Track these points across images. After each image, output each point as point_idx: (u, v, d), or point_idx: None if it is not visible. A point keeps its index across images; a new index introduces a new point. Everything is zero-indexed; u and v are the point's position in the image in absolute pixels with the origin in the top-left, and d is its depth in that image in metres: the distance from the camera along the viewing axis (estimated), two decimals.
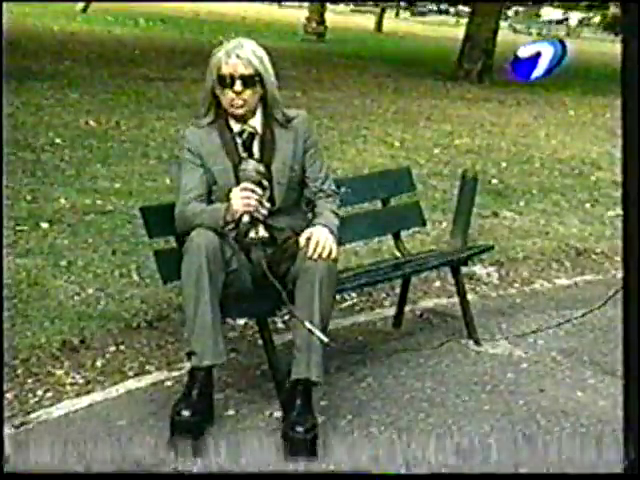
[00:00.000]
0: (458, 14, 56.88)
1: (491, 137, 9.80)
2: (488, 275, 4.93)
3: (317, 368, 2.86)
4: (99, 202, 5.62)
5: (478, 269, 4.95)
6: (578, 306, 4.32)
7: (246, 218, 2.91)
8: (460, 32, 19.67)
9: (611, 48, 31.61)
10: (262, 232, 2.99)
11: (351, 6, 58.01)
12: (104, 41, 18.09)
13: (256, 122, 3.11)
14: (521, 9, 67.68)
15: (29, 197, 5.57)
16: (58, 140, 7.45)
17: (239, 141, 3.09)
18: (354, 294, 4.36)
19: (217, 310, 2.85)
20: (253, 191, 2.93)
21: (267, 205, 3.02)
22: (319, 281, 2.88)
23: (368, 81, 14.97)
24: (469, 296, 4.13)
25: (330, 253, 2.93)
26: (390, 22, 38.52)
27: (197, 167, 3.08)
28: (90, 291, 4.07)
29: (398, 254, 4.08)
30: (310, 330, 2.86)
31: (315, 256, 2.90)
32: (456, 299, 4.00)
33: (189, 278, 2.84)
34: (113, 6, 29.74)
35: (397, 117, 10.88)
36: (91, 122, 8.47)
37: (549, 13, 75.21)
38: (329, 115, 10.13)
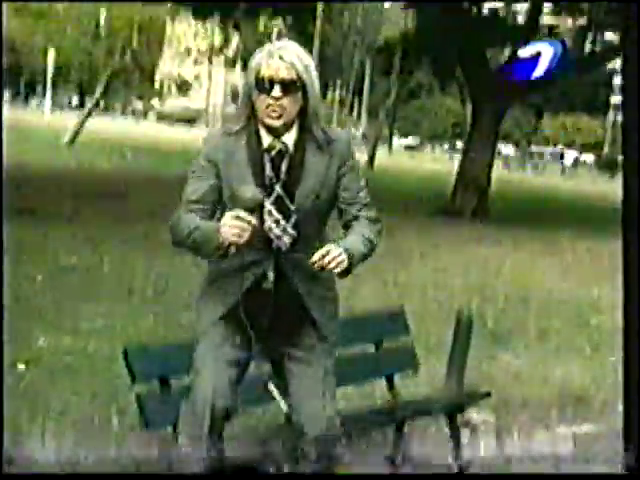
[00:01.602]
0: (452, 149, 58.46)
1: (487, 277, 9.93)
2: (484, 422, 4.91)
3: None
4: (79, 343, 5.63)
5: (474, 415, 4.93)
6: (578, 462, 4.29)
7: (233, 249, 2.74)
8: (454, 168, 20.20)
9: (606, 188, 32.37)
10: (269, 284, 2.89)
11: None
12: (89, 175, 18.47)
13: (289, 138, 2.90)
14: (516, 146, 69.58)
15: (6, 336, 5.55)
16: (39, 277, 7.51)
17: (267, 158, 2.89)
18: (343, 441, 4.31)
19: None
20: (248, 222, 2.71)
21: (293, 233, 2.87)
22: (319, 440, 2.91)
23: None
24: (465, 444, 4.11)
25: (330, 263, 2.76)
26: (383, 157, 39.47)
27: (209, 176, 2.89)
28: (68, 443, 4.01)
29: (391, 399, 4.08)
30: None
31: (316, 261, 2.75)
32: (451, 447, 3.98)
33: (190, 430, 2.88)
34: (100, 139, 30.50)
35: (390, 255, 11.00)
36: (73, 260, 8.57)
37: (543, 150, 77.25)
38: None
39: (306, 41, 39.56)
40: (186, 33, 32.24)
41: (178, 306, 6.86)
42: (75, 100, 74.07)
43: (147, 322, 6.35)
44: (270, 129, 2.87)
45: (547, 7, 19.65)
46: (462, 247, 12.53)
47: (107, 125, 45.20)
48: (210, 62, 35.00)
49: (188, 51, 33.26)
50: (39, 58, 40.57)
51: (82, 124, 28.80)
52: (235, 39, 34.12)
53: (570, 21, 22.17)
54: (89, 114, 29.26)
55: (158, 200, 14.51)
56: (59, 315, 6.31)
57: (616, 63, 25.73)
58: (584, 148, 79.89)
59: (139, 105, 70.36)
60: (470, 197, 17.57)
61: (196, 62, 34.06)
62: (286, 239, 2.86)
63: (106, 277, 7.92)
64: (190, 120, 69.46)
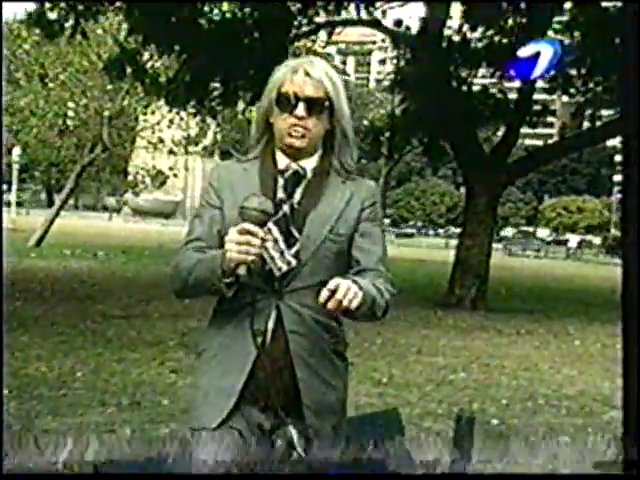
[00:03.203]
0: (448, 235, 58.95)
1: (489, 371, 9.94)
2: None
3: None
4: (48, 459, 5.56)
5: None
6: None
7: (242, 270, 2.48)
8: (450, 255, 20.33)
9: (615, 272, 32.49)
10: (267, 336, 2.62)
11: None
12: (59, 277, 18.51)
13: (309, 164, 2.70)
14: (515, 230, 70.35)
15: None
16: (4, 391, 7.47)
17: (281, 181, 2.67)
18: None
19: None
20: (256, 235, 2.47)
21: (291, 260, 2.60)
22: None
23: None
24: None
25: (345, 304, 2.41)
26: None
27: (212, 207, 2.70)
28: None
29: None
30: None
31: (330, 304, 2.40)
32: None
33: None
34: (70, 238, 30.67)
35: (384, 350, 11.04)
36: (42, 368, 8.54)
37: (545, 233, 78.18)
38: None
39: None
40: (160, 123, 32.64)
41: (155, 416, 6.84)
42: (43, 198, 74.93)
43: (122, 434, 6.30)
44: (288, 153, 2.69)
45: (540, 84, 20.11)
46: (462, 340, 12.55)
47: (77, 223, 45.50)
48: (186, 152, 35.43)
49: (162, 141, 33.65)
50: (4, 155, 41.05)
51: (50, 224, 28.96)
52: (212, 127, 34.62)
53: (566, 98, 22.68)
54: (57, 214, 29.45)
55: (131, 301, 14.56)
56: (26, 432, 6.26)
57: (616, 140, 26.23)
58: (589, 230, 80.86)
59: (111, 200, 71.04)
60: (469, 286, 17.64)
61: (171, 152, 34.45)
62: (281, 263, 2.58)
63: (78, 385, 7.88)
64: (166, 214, 70.10)
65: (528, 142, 62.40)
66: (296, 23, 18.38)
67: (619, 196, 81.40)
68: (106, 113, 29.17)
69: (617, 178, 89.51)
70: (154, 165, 36.86)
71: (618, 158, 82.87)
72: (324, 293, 2.40)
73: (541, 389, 9.02)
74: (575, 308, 18.55)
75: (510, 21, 18.90)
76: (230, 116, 33.48)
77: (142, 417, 6.79)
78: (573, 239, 66.03)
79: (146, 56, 20.10)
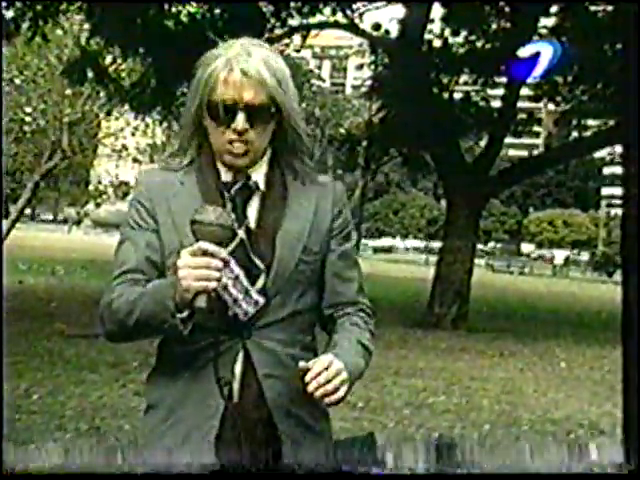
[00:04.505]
0: (428, 251, 59.12)
1: (470, 394, 9.96)
2: None
3: None
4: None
5: None
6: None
7: (202, 302, 2.09)
8: (430, 271, 20.38)
9: (603, 291, 32.78)
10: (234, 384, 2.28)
11: None
12: (14, 293, 18.36)
13: (258, 173, 2.33)
14: (499, 245, 70.61)
15: None
16: None
17: (227, 196, 2.29)
18: None
19: None
20: (216, 256, 2.09)
21: (258, 299, 2.26)
22: None
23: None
24: None
25: (332, 393, 2.21)
26: None
27: (145, 229, 2.31)
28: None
29: None
30: None
31: (311, 387, 2.15)
32: None
33: None
34: (26, 253, 30.46)
35: None
36: None
37: (530, 249, 78.64)
38: None
39: None
40: (124, 129, 32.57)
41: (116, 442, 6.80)
42: None
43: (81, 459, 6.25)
44: (230, 166, 2.32)
45: (525, 92, 20.22)
46: (442, 361, 12.57)
47: (35, 236, 45.21)
48: (151, 161, 35.36)
49: (126, 149, 33.59)
50: None
51: (4, 237, 28.75)
52: None
53: (552, 106, 22.83)
54: (12, 226, 29.26)
55: (91, 319, 14.47)
56: None
57: (604, 152, 26.43)
58: (576, 245, 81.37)
59: (71, 211, 70.73)
60: (449, 304, 17.67)
61: (135, 161, 34.37)
62: (246, 305, 2.24)
63: (33, 409, 7.82)
64: None
65: (512, 153, 62.81)
66: (269, 26, 18.37)
67: (607, 210, 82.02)
68: (66, 119, 29.04)
69: (605, 191, 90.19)
70: (117, 174, 36.74)
71: (606, 170, 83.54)
72: (310, 374, 2.16)
73: (525, 414, 9.04)
74: (561, 328, 18.63)
75: (494, 25, 19.00)
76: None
77: (102, 443, 6.74)
78: (559, 255, 66.44)
79: (109, 59, 20.04)
